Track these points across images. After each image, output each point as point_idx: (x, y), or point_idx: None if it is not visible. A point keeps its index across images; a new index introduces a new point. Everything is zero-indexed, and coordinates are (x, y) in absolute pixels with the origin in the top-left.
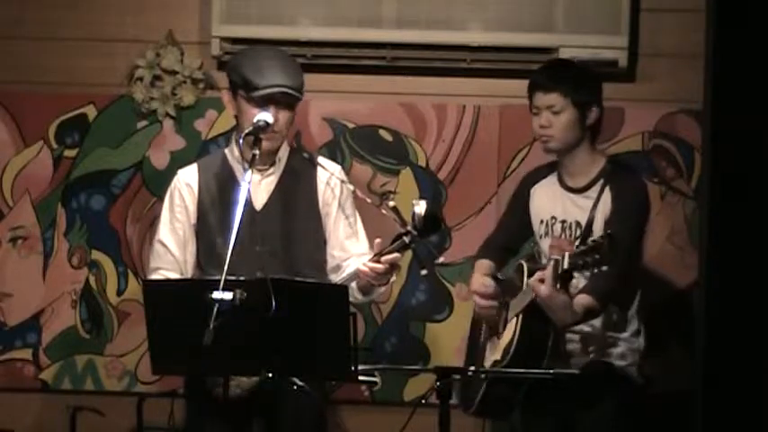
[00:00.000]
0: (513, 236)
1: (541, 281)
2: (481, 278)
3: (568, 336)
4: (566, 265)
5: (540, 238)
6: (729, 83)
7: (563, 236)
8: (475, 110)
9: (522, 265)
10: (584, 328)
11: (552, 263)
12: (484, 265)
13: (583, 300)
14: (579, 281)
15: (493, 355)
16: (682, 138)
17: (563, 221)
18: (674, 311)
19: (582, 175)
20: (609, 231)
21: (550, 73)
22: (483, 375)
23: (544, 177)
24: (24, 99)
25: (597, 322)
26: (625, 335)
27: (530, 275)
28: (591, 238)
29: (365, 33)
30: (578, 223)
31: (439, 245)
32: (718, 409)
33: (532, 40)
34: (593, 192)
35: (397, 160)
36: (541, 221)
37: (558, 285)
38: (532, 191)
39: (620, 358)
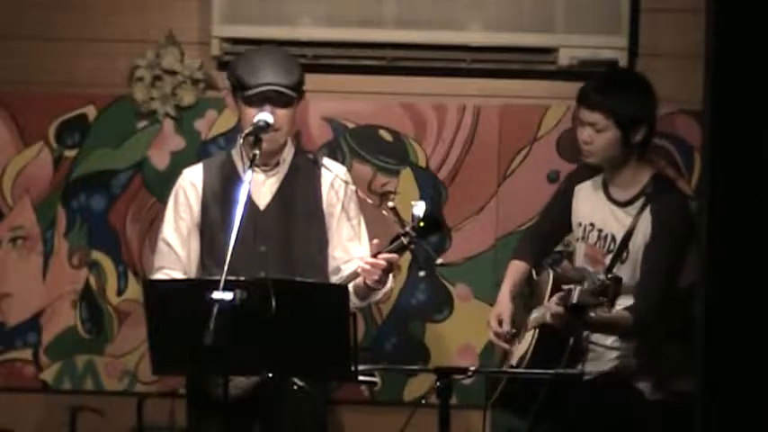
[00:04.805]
0: (555, 230)
1: (557, 304)
2: (500, 311)
3: (591, 346)
4: (574, 301)
5: (577, 240)
6: (729, 83)
7: (598, 245)
8: (475, 110)
9: (549, 274)
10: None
11: (564, 294)
12: (516, 271)
13: (621, 317)
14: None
15: (510, 359)
16: (682, 138)
17: (600, 230)
18: (674, 311)
19: (625, 189)
20: (614, 275)
21: (599, 90)
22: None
23: (589, 178)
24: (24, 99)
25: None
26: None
27: (554, 286)
28: (598, 276)
29: (365, 33)
30: (614, 237)
31: (439, 245)
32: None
33: (532, 40)
34: (634, 209)
35: (397, 160)
36: (580, 224)
37: (569, 316)
38: (577, 189)
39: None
